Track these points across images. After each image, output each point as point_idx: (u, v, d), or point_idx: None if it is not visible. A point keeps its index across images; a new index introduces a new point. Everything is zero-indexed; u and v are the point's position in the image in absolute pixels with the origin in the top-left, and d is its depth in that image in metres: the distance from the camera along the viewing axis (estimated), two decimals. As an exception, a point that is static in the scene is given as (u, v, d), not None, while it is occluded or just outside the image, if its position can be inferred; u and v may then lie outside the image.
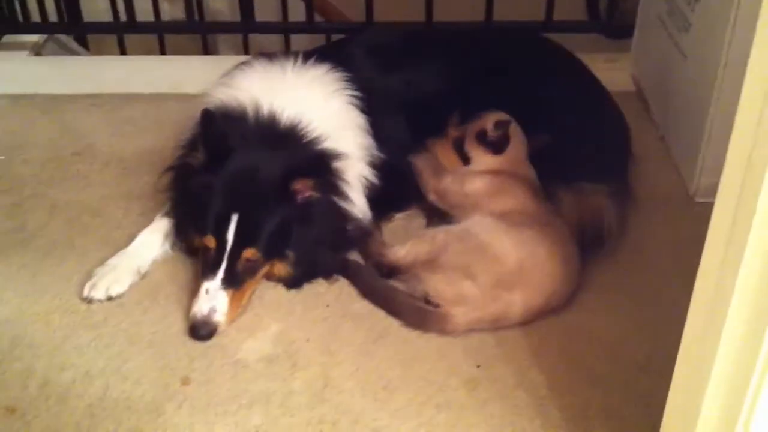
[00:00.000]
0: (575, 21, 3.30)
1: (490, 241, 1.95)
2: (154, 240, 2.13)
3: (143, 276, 2.08)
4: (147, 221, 2.20)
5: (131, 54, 3.66)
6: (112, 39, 3.76)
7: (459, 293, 1.90)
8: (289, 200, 1.95)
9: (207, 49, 3.63)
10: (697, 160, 2.28)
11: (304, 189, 1.95)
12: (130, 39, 3.70)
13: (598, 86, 2.45)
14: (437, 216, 2.23)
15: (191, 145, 2.07)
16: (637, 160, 2.40)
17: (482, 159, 2.16)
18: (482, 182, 2.12)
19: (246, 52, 3.62)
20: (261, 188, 1.94)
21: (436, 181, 2.20)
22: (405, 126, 2.30)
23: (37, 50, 3.23)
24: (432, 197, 2.22)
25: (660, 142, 2.58)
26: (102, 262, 2.10)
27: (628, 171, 2.34)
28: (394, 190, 2.23)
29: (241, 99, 2.07)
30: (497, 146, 2.14)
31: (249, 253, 1.91)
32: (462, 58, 2.40)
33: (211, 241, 1.92)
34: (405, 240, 2.07)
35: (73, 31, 3.59)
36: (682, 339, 1.27)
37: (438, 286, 1.93)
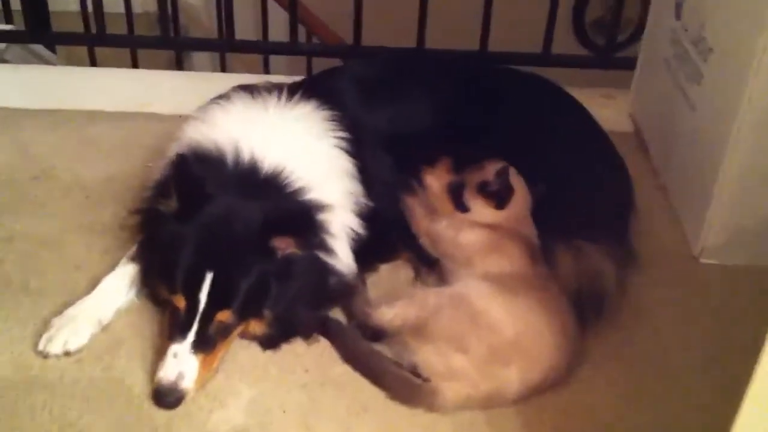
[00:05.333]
0: (575, 55, 3.19)
1: (485, 308, 1.80)
2: (118, 288, 1.95)
3: (105, 327, 1.90)
4: (111, 261, 2.02)
5: (101, 61, 3.45)
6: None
7: (450, 367, 1.75)
8: (268, 256, 1.78)
9: (181, 63, 3.44)
10: (704, 219, 2.10)
11: (286, 246, 1.79)
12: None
13: (598, 131, 2.31)
14: (425, 267, 2.08)
15: (162, 188, 1.89)
16: (636, 211, 2.26)
17: (482, 211, 2.02)
18: (478, 236, 1.97)
19: (223, 69, 3.46)
20: (239, 244, 1.77)
21: (430, 222, 2.06)
22: (393, 168, 2.15)
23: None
24: (424, 240, 2.07)
25: (659, 191, 2.44)
26: (60, 307, 1.92)
27: (630, 227, 2.19)
28: (381, 239, 2.08)
29: (219, 140, 1.90)
30: (500, 199, 2.00)
31: (223, 315, 1.74)
32: (451, 94, 2.27)
33: (180, 301, 1.74)
34: (392, 298, 1.91)
35: (38, 41, 3.38)
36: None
37: (428, 357, 1.77)
